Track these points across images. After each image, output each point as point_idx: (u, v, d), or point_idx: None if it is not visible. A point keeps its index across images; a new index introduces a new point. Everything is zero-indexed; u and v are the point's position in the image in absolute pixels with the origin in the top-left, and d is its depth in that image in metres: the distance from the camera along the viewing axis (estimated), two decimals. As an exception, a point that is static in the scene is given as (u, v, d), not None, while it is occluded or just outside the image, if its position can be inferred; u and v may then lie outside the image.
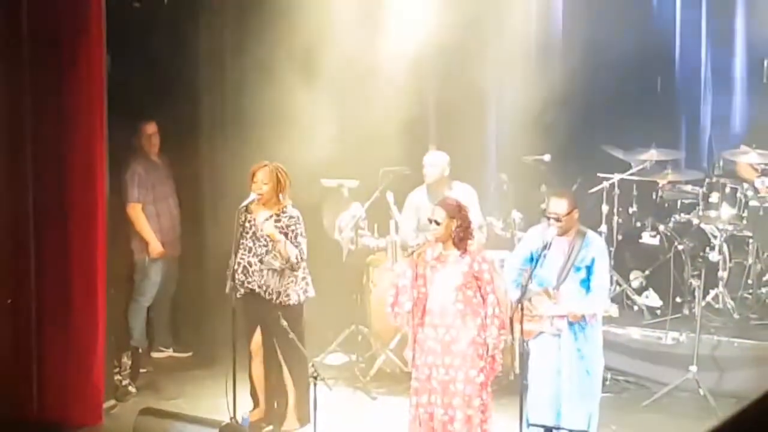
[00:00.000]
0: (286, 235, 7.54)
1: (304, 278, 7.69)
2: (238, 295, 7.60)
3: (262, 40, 9.26)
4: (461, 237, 6.76)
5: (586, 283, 6.87)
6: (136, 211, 9.14)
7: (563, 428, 6.72)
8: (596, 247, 6.95)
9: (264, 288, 7.58)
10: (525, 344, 6.93)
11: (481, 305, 6.73)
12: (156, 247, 9.17)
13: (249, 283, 7.61)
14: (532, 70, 10.57)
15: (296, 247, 7.55)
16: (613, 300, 9.05)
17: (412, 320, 6.83)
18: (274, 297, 7.59)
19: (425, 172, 8.95)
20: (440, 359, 6.76)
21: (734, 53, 10.33)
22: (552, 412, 6.83)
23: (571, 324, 6.81)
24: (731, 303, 9.09)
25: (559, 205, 6.84)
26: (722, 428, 2.40)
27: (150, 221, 9.18)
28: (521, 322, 6.60)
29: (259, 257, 7.60)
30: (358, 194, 9.26)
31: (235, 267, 7.58)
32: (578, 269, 6.87)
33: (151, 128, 9.25)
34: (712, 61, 10.42)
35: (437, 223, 6.78)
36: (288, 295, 7.60)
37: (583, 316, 6.82)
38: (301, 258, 7.57)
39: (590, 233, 7.06)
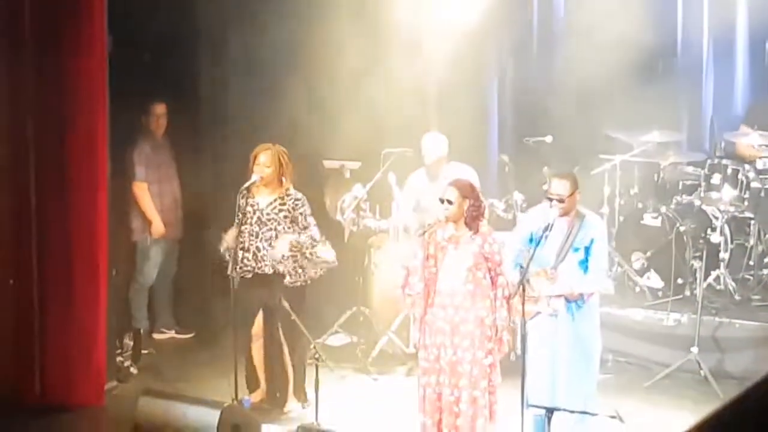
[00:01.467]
0: (295, 217, 7.55)
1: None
2: (241, 277, 7.61)
3: (264, 22, 9.24)
4: (474, 216, 6.71)
5: (584, 263, 6.84)
6: (141, 190, 9.17)
7: (562, 409, 6.71)
8: (595, 229, 6.92)
9: (277, 270, 7.57)
10: (526, 325, 6.93)
11: (491, 287, 6.71)
12: (158, 226, 9.19)
13: (260, 268, 7.61)
14: (534, 51, 10.55)
15: (306, 227, 7.56)
16: (614, 281, 9.06)
17: (425, 301, 6.80)
18: (293, 278, 7.59)
19: (423, 153, 8.95)
20: (449, 339, 6.73)
21: (736, 35, 10.29)
22: (550, 392, 6.82)
23: (568, 303, 6.80)
24: (732, 284, 9.09)
25: (562, 187, 6.82)
26: (724, 410, 2.41)
27: (153, 201, 9.20)
28: (522, 303, 6.59)
29: (269, 241, 7.58)
30: (360, 175, 9.25)
31: (241, 251, 7.57)
32: (576, 250, 6.85)
33: (160, 109, 9.28)
34: (714, 42, 10.37)
35: (450, 203, 6.70)
36: (306, 273, 7.63)
37: (581, 295, 6.81)
38: (317, 239, 7.59)
39: (589, 214, 7.03)
